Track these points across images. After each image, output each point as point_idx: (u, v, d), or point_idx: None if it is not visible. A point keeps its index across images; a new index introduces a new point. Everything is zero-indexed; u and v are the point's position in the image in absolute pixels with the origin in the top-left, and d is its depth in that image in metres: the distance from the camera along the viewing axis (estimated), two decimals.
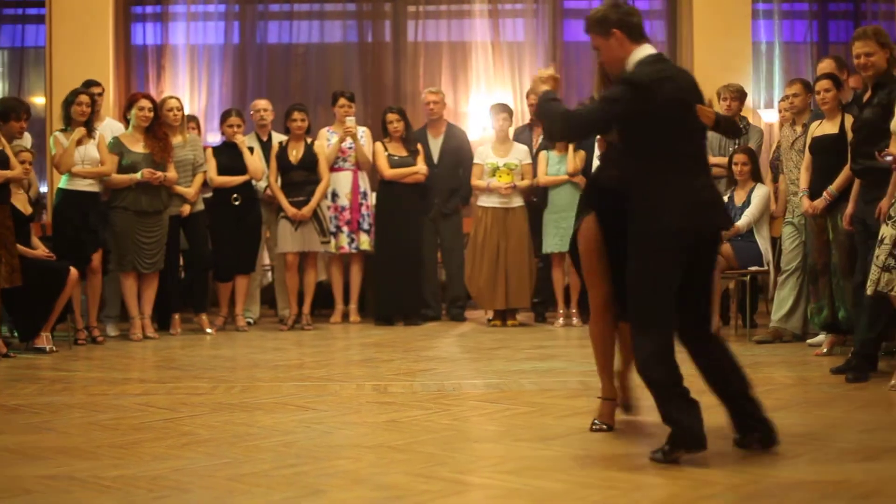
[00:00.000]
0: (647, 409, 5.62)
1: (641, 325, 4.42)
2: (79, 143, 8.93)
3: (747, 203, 8.90)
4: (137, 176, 9.12)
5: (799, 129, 8.44)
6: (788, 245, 8.42)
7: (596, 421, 5.06)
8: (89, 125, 9.08)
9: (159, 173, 9.19)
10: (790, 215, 8.41)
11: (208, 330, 9.70)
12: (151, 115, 9.31)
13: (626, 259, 4.47)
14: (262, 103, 10.71)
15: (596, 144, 5.33)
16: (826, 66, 8.50)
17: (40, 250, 8.51)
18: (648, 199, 4.43)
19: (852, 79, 8.11)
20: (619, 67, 4.63)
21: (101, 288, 9.19)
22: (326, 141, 10.42)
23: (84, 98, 9.00)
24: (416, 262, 10.38)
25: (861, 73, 6.93)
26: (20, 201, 8.45)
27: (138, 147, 9.27)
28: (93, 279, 9.08)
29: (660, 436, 4.51)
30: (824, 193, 7.51)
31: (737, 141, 9.59)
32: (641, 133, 4.44)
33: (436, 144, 10.67)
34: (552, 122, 4.62)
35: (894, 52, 6.62)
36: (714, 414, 5.41)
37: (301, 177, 10.08)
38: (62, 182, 9.00)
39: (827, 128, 7.63)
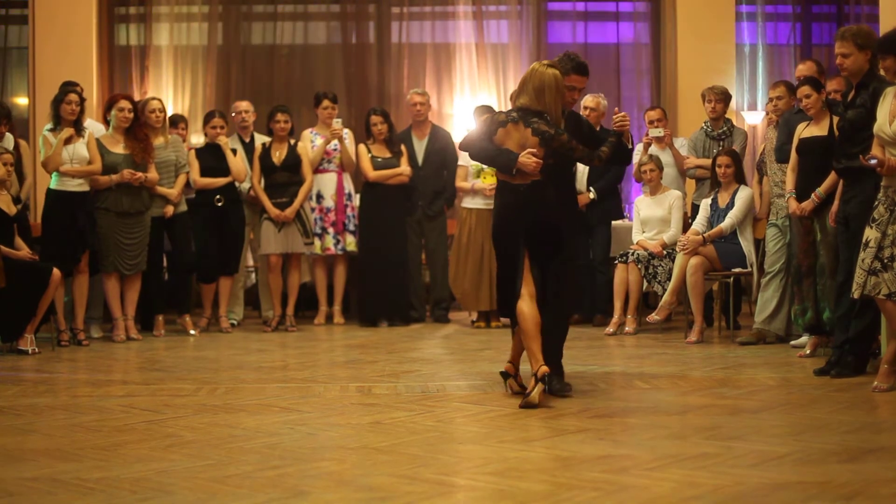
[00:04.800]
0: (631, 410, 5.63)
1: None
2: (67, 141, 8.89)
3: (731, 205, 8.92)
4: (118, 177, 9.09)
5: None
6: (772, 247, 8.43)
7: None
8: (78, 124, 9.05)
9: (139, 174, 9.15)
10: (774, 217, 8.43)
11: (192, 331, 9.68)
12: (131, 115, 9.26)
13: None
14: (244, 105, 10.69)
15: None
16: (805, 69, 8.52)
17: (24, 251, 8.47)
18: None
19: (832, 81, 8.13)
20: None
21: (87, 290, 9.16)
22: (310, 142, 10.41)
23: (73, 97, 8.96)
24: (400, 263, 10.37)
25: (840, 74, 6.96)
26: (4, 202, 8.42)
27: (118, 148, 9.23)
28: (80, 280, 9.05)
29: (648, 437, 4.52)
30: (812, 195, 7.51)
31: (721, 143, 9.63)
32: None
33: (420, 146, 10.66)
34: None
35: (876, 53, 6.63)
36: (698, 415, 5.43)
37: (284, 178, 10.07)
38: (52, 182, 8.97)
39: (814, 130, 7.63)
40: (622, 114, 6.23)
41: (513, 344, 6.24)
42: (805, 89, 7.66)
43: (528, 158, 5.87)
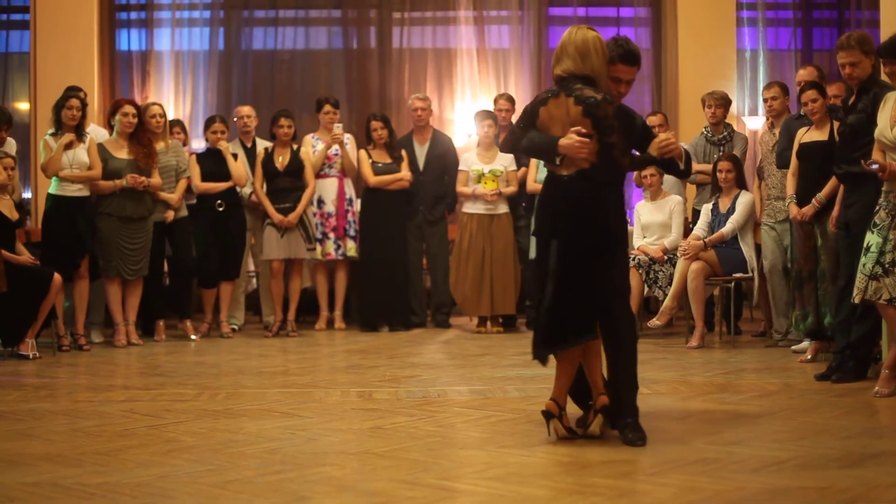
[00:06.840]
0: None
1: None
2: (68, 147, 8.89)
3: (732, 210, 8.92)
4: (122, 182, 9.09)
5: (777, 131, 8.53)
6: (770, 245, 8.51)
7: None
8: (79, 129, 9.04)
9: (143, 178, 9.16)
10: (769, 219, 8.46)
11: (193, 336, 9.68)
12: (135, 121, 9.27)
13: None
14: (246, 109, 10.69)
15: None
16: (806, 74, 8.53)
17: (25, 256, 8.47)
18: None
19: (832, 86, 8.14)
20: None
21: (87, 295, 9.16)
22: (312, 147, 10.41)
23: (75, 102, 8.96)
24: (401, 268, 10.37)
25: (847, 82, 6.95)
26: (6, 206, 8.42)
27: (122, 153, 9.24)
28: (80, 286, 9.04)
29: (649, 441, 4.52)
30: (813, 200, 7.52)
31: (721, 148, 9.63)
32: None
33: (422, 151, 10.66)
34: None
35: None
36: (699, 420, 5.43)
37: (287, 183, 10.06)
38: (52, 187, 8.97)
39: (815, 135, 7.64)
40: (666, 139, 4.99)
41: (557, 376, 5.04)
42: (812, 93, 7.66)
43: (570, 139, 4.75)
